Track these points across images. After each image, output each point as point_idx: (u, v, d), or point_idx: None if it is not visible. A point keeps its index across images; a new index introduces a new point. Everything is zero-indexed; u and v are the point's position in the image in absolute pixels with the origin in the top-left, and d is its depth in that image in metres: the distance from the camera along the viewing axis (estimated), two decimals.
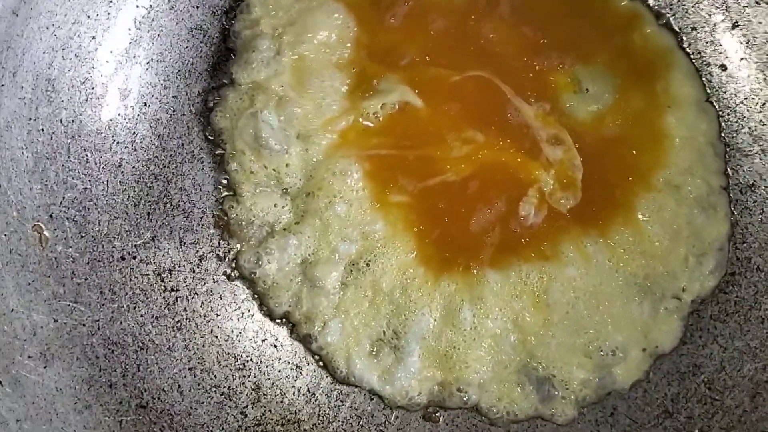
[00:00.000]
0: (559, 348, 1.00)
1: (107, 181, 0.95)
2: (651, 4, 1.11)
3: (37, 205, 0.89)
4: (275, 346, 0.99)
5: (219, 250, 1.00)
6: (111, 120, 0.96)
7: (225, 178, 1.01)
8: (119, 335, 0.92)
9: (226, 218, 1.00)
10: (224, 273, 1.00)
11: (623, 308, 1.01)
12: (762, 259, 1.04)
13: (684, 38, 1.09)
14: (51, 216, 0.90)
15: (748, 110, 1.08)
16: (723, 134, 1.08)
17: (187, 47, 1.01)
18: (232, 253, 1.00)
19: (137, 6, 0.97)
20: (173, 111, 1.00)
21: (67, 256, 0.90)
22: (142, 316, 0.94)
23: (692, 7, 1.09)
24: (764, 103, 1.07)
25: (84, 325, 0.90)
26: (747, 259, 1.04)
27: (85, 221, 0.93)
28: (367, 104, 1.03)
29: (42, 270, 0.88)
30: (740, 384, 1.00)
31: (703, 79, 1.09)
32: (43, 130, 0.90)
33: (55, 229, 0.90)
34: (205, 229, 1.00)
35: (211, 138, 1.01)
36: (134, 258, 0.95)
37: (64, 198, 0.91)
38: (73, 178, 0.92)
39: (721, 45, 1.09)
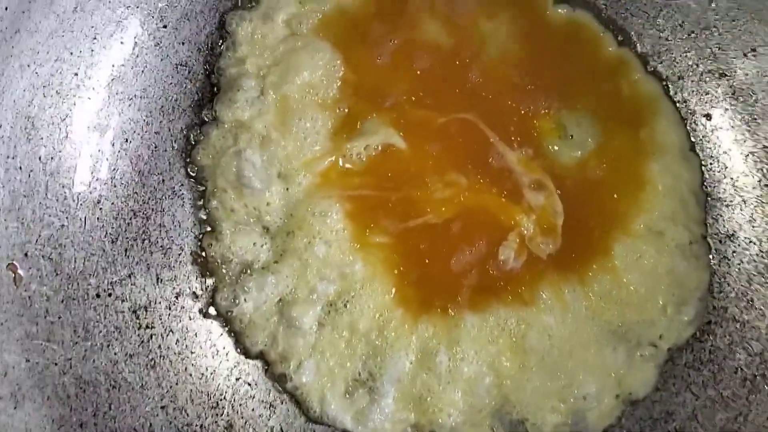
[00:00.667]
0: (534, 392, 1.00)
1: (85, 218, 0.95)
2: (639, 51, 1.10)
3: (12, 243, 0.89)
4: (249, 385, 0.99)
5: (196, 287, 1.00)
6: (91, 156, 0.96)
7: (205, 215, 1.01)
8: (91, 374, 0.92)
9: (204, 255, 1.00)
10: (200, 310, 0.99)
11: (598, 355, 1.01)
12: (738, 309, 1.04)
13: (670, 86, 1.10)
14: (26, 254, 0.90)
15: (730, 160, 1.08)
16: (705, 183, 1.08)
17: (171, 83, 1.01)
18: (208, 290, 1.00)
19: (121, 43, 0.97)
20: (155, 147, 0.99)
21: (41, 294, 0.90)
22: (115, 354, 0.94)
23: (680, 55, 1.10)
24: (747, 155, 1.07)
25: (56, 364, 0.90)
26: (723, 308, 1.05)
27: (60, 259, 0.92)
28: (350, 145, 1.03)
29: (15, 309, 0.88)
30: None
31: (688, 127, 1.09)
32: (21, 168, 0.89)
33: (30, 268, 0.90)
34: (183, 265, 0.99)
35: (193, 175, 1.01)
36: (110, 295, 0.95)
37: (40, 236, 0.91)
38: (50, 216, 0.92)
39: (707, 94, 1.09)
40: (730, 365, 1.02)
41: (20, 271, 0.88)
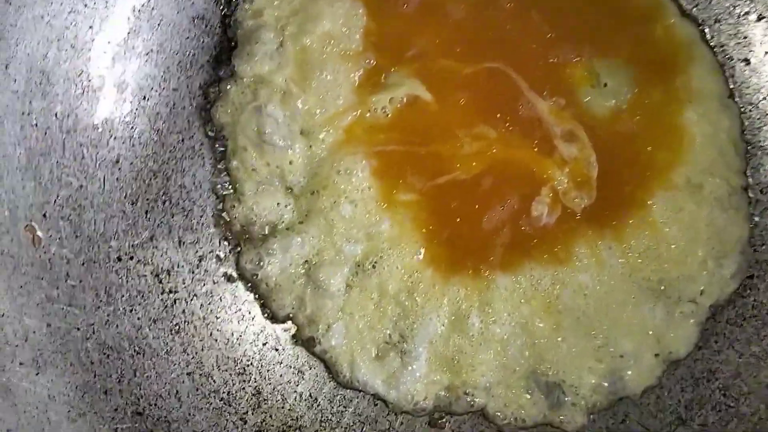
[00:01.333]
0: (570, 353, 0.97)
1: (104, 178, 0.91)
2: None
3: (29, 203, 0.86)
4: (277, 350, 0.96)
5: (219, 251, 0.96)
6: (108, 114, 0.92)
7: (226, 176, 0.97)
8: (115, 339, 0.89)
9: (227, 217, 0.97)
10: (224, 274, 0.96)
11: (635, 313, 0.98)
12: None
13: (707, 30, 1.05)
14: (44, 215, 0.86)
15: None
16: (744, 132, 1.04)
17: (188, 38, 0.97)
18: (233, 253, 0.96)
19: None
20: (173, 105, 0.96)
21: (61, 257, 0.87)
22: (138, 318, 0.91)
23: None
24: None
25: (78, 329, 0.87)
26: (766, 261, 1.01)
27: (80, 220, 0.89)
28: (375, 98, 0.99)
29: (35, 272, 0.85)
30: (756, 391, 0.97)
31: (726, 73, 1.04)
32: (36, 125, 0.86)
33: (49, 229, 0.86)
34: (205, 228, 0.96)
35: (212, 135, 0.97)
36: (131, 258, 0.92)
37: (58, 196, 0.88)
38: (67, 176, 0.89)
39: (745, 38, 1.04)
40: None
41: (39, 233, 0.85)
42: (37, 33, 0.85)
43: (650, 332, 0.98)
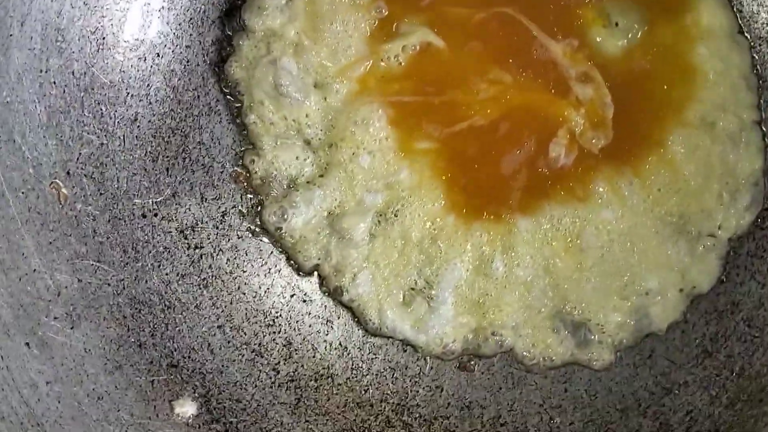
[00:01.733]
0: (594, 292, 0.98)
1: (123, 135, 0.91)
2: None
3: (53, 161, 0.86)
4: (304, 301, 0.96)
5: (242, 206, 0.97)
6: (124, 72, 0.92)
7: (244, 131, 0.97)
8: (145, 294, 0.89)
9: (247, 173, 0.97)
10: (248, 229, 0.96)
11: (659, 249, 0.98)
12: None
13: None
14: (68, 173, 0.86)
15: None
16: (755, 66, 1.04)
17: None
18: (255, 208, 0.97)
19: None
20: (187, 62, 0.95)
21: (88, 214, 0.87)
22: (167, 274, 0.91)
23: None
24: None
25: (109, 284, 0.87)
26: None
27: (103, 178, 0.89)
28: (386, 47, 0.99)
29: (62, 229, 0.85)
30: None
31: (734, 8, 1.04)
32: (55, 82, 0.86)
33: (74, 187, 0.86)
34: (226, 184, 0.96)
35: (227, 91, 0.97)
36: (155, 215, 0.92)
37: (80, 154, 0.88)
38: (88, 133, 0.88)
39: None
40: None
41: (64, 190, 0.85)
42: None
43: (674, 268, 0.98)
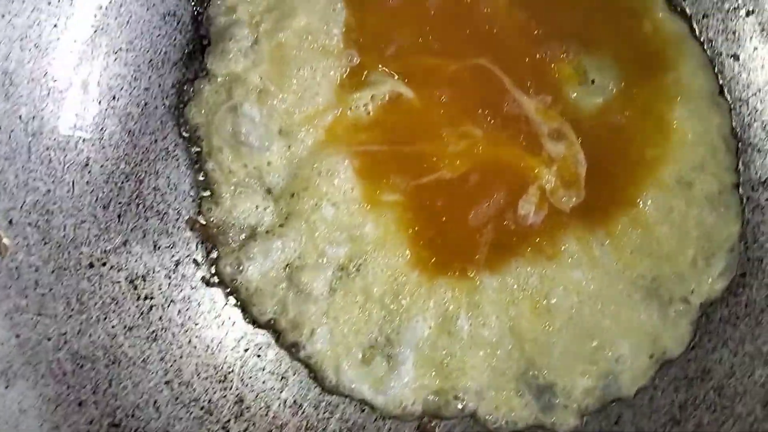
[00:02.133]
0: (561, 355, 0.95)
1: (73, 181, 0.87)
2: None
3: None
4: (259, 356, 0.93)
5: (197, 255, 0.93)
6: (76, 116, 0.88)
7: (202, 176, 0.94)
8: (88, 349, 0.85)
9: (204, 221, 0.93)
10: (203, 278, 0.93)
11: (630, 312, 0.96)
12: None
13: (695, 25, 1.02)
14: (11, 222, 0.83)
15: (761, 102, 1.02)
16: (735, 128, 1.01)
17: (159, 35, 0.93)
18: (210, 257, 0.93)
19: None
20: (145, 105, 0.92)
21: (30, 264, 0.83)
22: (113, 327, 0.87)
23: None
24: None
25: (49, 339, 0.83)
26: (758, 259, 0.99)
27: (48, 226, 0.85)
28: (356, 96, 0.96)
29: (1, 281, 0.81)
30: (751, 390, 0.95)
31: (715, 69, 1.02)
32: (0, 128, 0.82)
33: (16, 236, 0.83)
34: (182, 231, 0.93)
35: (186, 135, 0.94)
36: (104, 264, 0.88)
37: (25, 202, 0.84)
38: (35, 180, 0.85)
39: (734, 33, 1.02)
40: None
41: (5, 240, 0.81)
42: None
43: (645, 332, 0.96)
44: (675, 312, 0.97)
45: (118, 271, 0.89)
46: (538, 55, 1.00)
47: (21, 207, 0.84)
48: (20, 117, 0.84)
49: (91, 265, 0.87)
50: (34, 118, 0.85)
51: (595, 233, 0.97)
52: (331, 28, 0.96)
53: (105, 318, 0.87)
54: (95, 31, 0.89)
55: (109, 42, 0.90)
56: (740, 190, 1.00)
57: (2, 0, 0.81)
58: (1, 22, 0.82)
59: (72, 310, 0.85)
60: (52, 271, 0.85)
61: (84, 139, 0.88)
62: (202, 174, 0.94)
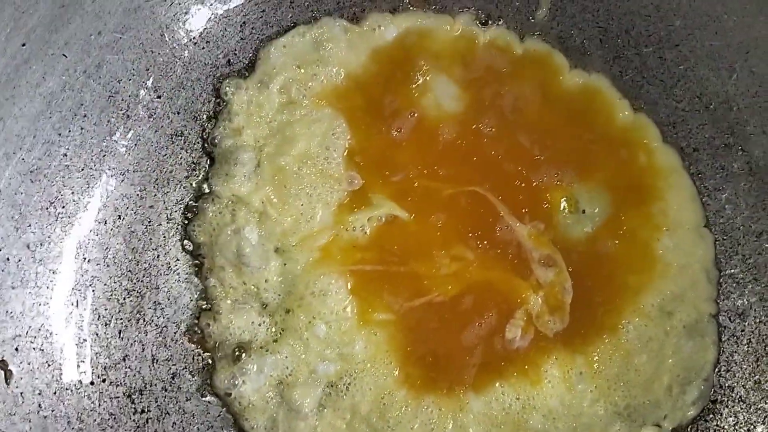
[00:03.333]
0: None
1: (76, 302, 0.90)
2: (654, 121, 1.06)
3: (2, 339, 0.85)
4: None
5: (192, 366, 0.96)
6: (82, 237, 0.91)
7: (202, 290, 0.97)
8: None
9: (201, 333, 0.97)
10: (197, 389, 0.96)
11: None
12: (745, 389, 1.03)
13: (685, 158, 1.05)
14: (17, 349, 0.86)
15: (743, 237, 1.05)
16: (717, 259, 1.05)
17: (165, 154, 0.95)
18: (206, 369, 0.97)
19: (113, 117, 0.91)
20: (149, 222, 0.95)
21: (34, 389, 0.87)
22: None
23: (696, 127, 1.05)
24: (761, 233, 1.04)
25: None
26: (730, 388, 1.03)
27: (52, 348, 0.88)
28: (353, 218, 0.99)
29: (6, 409, 0.84)
30: None
31: (702, 202, 1.05)
32: (8, 259, 0.85)
33: (21, 362, 0.86)
34: (179, 344, 0.96)
35: (189, 249, 0.97)
36: (104, 381, 0.91)
37: (30, 327, 0.87)
38: (40, 305, 0.88)
39: (722, 169, 1.05)
40: None
41: (11, 368, 0.84)
42: (9, 169, 0.84)
43: None
44: None
45: (117, 386, 0.92)
46: (534, 183, 1.03)
47: (27, 333, 0.87)
48: (28, 246, 0.86)
49: (92, 383, 0.91)
50: (41, 244, 0.88)
51: (576, 361, 1.00)
52: (331, 153, 0.99)
53: None
54: (103, 156, 0.91)
55: (116, 165, 0.93)
56: (718, 320, 1.04)
57: (13, 138, 0.82)
58: (12, 159, 0.84)
59: (72, 429, 0.89)
60: (55, 393, 0.88)
61: (89, 260, 0.91)
62: (201, 287, 0.97)
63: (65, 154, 0.88)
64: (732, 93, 1.02)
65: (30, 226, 0.87)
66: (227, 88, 0.97)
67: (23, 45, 0.82)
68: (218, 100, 0.98)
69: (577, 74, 1.06)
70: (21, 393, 0.86)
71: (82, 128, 0.89)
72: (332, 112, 1.00)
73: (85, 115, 0.89)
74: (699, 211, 1.05)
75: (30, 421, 0.86)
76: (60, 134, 0.87)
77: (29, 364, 0.86)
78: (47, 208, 0.88)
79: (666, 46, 1.03)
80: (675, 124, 1.05)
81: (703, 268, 1.04)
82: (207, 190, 0.97)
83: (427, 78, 1.02)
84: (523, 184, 1.03)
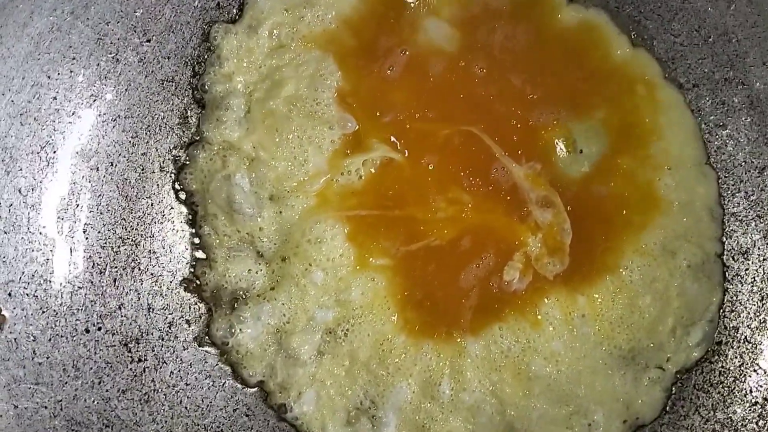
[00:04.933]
0: (539, 420, 0.97)
1: (70, 249, 0.90)
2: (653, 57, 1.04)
3: None
4: (248, 416, 0.96)
5: (189, 315, 0.96)
6: (74, 184, 0.90)
7: (197, 239, 0.96)
8: (83, 414, 0.88)
9: (197, 282, 0.96)
10: (194, 339, 0.96)
11: (605, 380, 0.98)
12: (750, 329, 1.01)
13: (685, 94, 1.04)
14: (10, 294, 0.85)
15: (746, 173, 1.03)
16: (721, 198, 1.03)
17: (157, 100, 0.95)
18: (203, 318, 0.96)
19: (102, 61, 0.90)
20: (142, 170, 0.94)
21: (28, 335, 0.86)
22: (107, 391, 0.90)
23: (696, 62, 1.03)
24: (763, 168, 1.03)
25: (45, 407, 0.86)
26: (735, 329, 1.02)
27: (46, 295, 0.88)
28: (347, 162, 0.98)
29: (0, 354, 0.84)
30: None
31: (703, 138, 1.04)
32: (0, 203, 0.84)
33: (14, 308, 0.85)
34: (175, 293, 0.95)
35: (183, 199, 0.96)
36: (99, 329, 0.91)
37: (23, 273, 0.86)
38: (33, 251, 0.87)
39: (723, 104, 1.03)
40: (740, 387, 1.00)
41: (5, 313, 0.84)
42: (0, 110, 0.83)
43: (620, 399, 0.98)
44: (649, 379, 0.99)
45: (113, 335, 0.92)
46: (530, 122, 1.01)
47: (20, 279, 0.86)
48: (20, 190, 0.86)
49: (87, 331, 0.90)
50: (33, 189, 0.87)
51: (576, 302, 0.98)
52: (320, 94, 0.97)
53: (99, 382, 0.90)
54: (94, 101, 0.91)
55: (107, 110, 0.92)
56: (723, 259, 1.02)
57: (1, 78, 0.82)
58: (1, 100, 0.83)
59: (68, 376, 0.88)
60: (49, 340, 0.87)
61: (81, 207, 0.90)
62: (197, 236, 0.96)
63: (55, 98, 0.88)
64: (731, 24, 1.01)
65: (21, 170, 0.86)
66: (216, 34, 0.96)
67: None
68: (208, 45, 0.96)
69: (574, 9, 1.04)
70: (15, 339, 0.85)
71: (71, 71, 0.88)
72: (320, 54, 0.98)
73: (74, 58, 0.88)
74: (701, 148, 1.03)
75: (24, 368, 0.85)
76: (49, 77, 0.87)
77: (23, 310, 0.86)
78: (38, 153, 0.87)
79: None
80: (674, 60, 1.04)
81: (706, 206, 1.03)
82: (198, 138, 0.96)
83: (420, 17, 1.00)
84: (520, 124, 1.01)
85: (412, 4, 1.02)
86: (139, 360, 0.93)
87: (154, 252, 0.95)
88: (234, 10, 0.98)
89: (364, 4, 1.00)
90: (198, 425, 0.94)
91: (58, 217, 0.89)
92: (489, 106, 1.01)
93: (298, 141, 0.96)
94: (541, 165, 1.01)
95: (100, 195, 0.92)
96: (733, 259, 1.03)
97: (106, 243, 0.92)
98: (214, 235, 0.96)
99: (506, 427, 0.98)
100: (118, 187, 0.93)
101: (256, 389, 0.96)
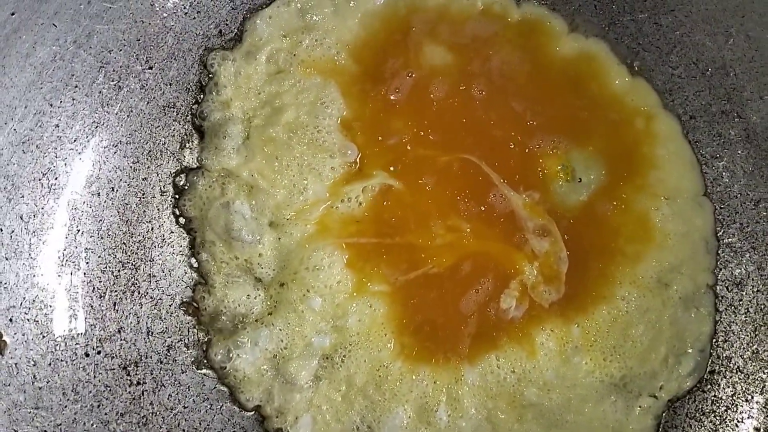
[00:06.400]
0: None
1: (71, 273, 0.90)
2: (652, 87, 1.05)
3: None
4: None
5: (188, 338, 0.97)
6: (75, 209, 0.91)
7: (195, 263, 0.97)
8: None
9: (196, 306, 0.97)
10: (193, 362, 0.97)
11: (596, 407, 0.99)
12: (743, 359, 1.02)
13: (683, 125, 1.04)
14: (11, 320, 0.86)
15: (741, 205, 1.04)
16: (716, 228, 1.04)
17: (158, 126, 0.95)
18: (201, 341, 0.97)
19: (105, 88, 0.91)
20: (143, 194, 0.95)
21: (28, 359, 0.87)
22: (106, 414, 0.91)
23: (693, 94, 1.04)
24: (758, 201, 1.04)
25: (46, 431, 0.87)
26: (728, 358, 1.03)
27: (46, 320, 0.89)
28: (347, 189, 0.99)
29: (2, 380, 0.85)
30: None
31: (702, 170, 1.04)
32: (2, 229, 0.85)
33: (15, 333, 0.86)
34: (174, 316, 0.96)
35: (182, 224, 0.97)
36: (99, 353, 0.92)
37: (24, 299, 0.87)
38: (34, 276, 0.88)
39: (719, 136, 1.04)
40: (732, 417, 1.01)
41: (6, 338, 0.85)
42: (1, 139, 0.83)
43: (610, 426, 0.99)
44: (641, 407, 1.00)
45: (112, 358, 0.92)
46: (528, 150, 1.02)
47: (21, 304, 0.87)
48: (21, 217, 0.86)
49: (87, 355, 0.91)
50: (34, 216, 0.88)
51: (571, 333, 0.99)
52: (321, 122, 0.98)
53: (99, 406, 0.91)
54: (96, 127, 0.91)
55: (109, 136, 0.92)
56: (715, 289, 1.03)
57: (4, 108, 0.82)
58: (4, 129, 0.84)
59: (67, 400, 0.89)
60: (50, 364, 0.88)
61: (83, 232, 0.91)
62: (195, 261, 0.97)
63: (57, 125, 0.88)
64: (728, 58, 1.02)
65: (23, 197, 0.87)
66: (213, 60, 0.97)
67: (12, 14, 0.82)
68: (208, 72, 0.97)
69: (574, 38, 1.05)
70: (15, 364, 0.86)
71: (73, 99, 0.89)
72: (322, 81, 0.99)
73: (76, 86, 0.89)
74: (697, 180, 1.04)
75: (25, 392, 0.86)
76: (51, 105, 0.87)
77: (23, 335, 0.87)
78: (40, 179, 0.88)
79: (661, 11, 1.02)
80: (671, 92, 1.04)
81: (702, 238, 1.04)
82: (196, 165, 0.97)
83: (420, 44, 1.01)
84: (518, 152, 1.02)
85: (414, 29, 1.03)
86: (138, 383, 0.93)
87: (154, 276, 0.96)
88: (234, 38, 0.99)
89: (363, 29, 1.01)
90: None
91: (59, 243, 0.90)
92: (488, 134, 1.02)
93: (298, 169, 0.97)
94: (540, 194, 1.02)
95: (100, 220, 0.93)
96: (727, 289, 1.04)
97: (106, 267, 0.93)
98: (212, 262, 0.97)
99: None
100: (118, 211, 0.93)
101: (253, 413, 0.97)
